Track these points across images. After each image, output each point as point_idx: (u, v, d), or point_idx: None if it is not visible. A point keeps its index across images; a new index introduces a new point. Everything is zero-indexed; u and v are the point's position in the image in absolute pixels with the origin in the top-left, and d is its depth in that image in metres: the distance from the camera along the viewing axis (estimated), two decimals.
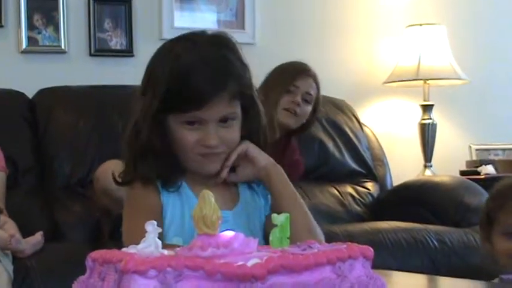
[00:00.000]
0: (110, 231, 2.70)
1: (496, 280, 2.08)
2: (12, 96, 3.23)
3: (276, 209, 1.69)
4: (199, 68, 1.63)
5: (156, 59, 1.72)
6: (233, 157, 1.70)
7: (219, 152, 1.68)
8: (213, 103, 1.62)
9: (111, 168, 2.54)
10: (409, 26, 4.03)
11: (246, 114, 1.71)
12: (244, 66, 1.69)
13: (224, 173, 1.71)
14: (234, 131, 1.68)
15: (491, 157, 4.20)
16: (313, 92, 3.00)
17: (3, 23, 3.43)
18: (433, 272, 2.79)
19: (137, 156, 1.68)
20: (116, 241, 1.74)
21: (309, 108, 3.01)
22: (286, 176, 1.76)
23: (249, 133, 1.73)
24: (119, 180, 1.73)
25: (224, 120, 1.65)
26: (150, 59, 1.74)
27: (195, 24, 3.59)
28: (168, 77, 1.64)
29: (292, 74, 2.98)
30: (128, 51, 3.62)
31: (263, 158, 1.74)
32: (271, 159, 1.76)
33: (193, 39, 1.70)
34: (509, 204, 2.11)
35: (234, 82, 1.64)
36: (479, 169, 3.93)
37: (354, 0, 4.10)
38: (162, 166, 1.68)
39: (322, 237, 1.72)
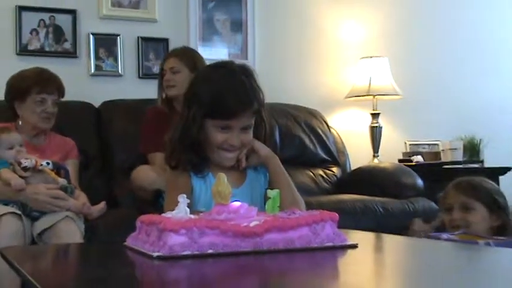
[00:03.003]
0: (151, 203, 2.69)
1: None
2: (83, 107, 3.23)
3: (272, 185, 1.71)
4: (235, 90, 1.63)
5: (199, 80, 1.71)
6: (245, 150, 1.71)
7: (237, 149, 1.69)
8: (241, 116, 1.64)
9: (142, 173, 2.58)
10: (363, 57, 4.01)
11: (256, 125, 1.72)
12: (261, 91, 1.69)
13: (243, 162, 1.72)
14: (249, 136, 1.70)
15: (420, 150, 4.19)
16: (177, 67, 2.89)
17: (77, 55, 3.42)
18: (379, 230, 2.78)
19: (184, 148, 1.67)
20: (157, 210, 1.74)
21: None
22: (280, 163, 1.77)
23: (257, 137, 1.74)
24: (172, 165, 1.71)
25: (244, 128, 1.67)
26: (192, 80, 1.74)
27: (212, 56, 3.56)
28: (210, 95, 1.64)
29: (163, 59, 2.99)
30: None
31: (264, 150, 1.75)
32: (271, 151, 1.76)
33: (227, 67, 1.70)
34: (447, 190, 2.16)
35: (256, 102, 1.67)
36: (411, 158, 3.93)
37: (324, 40, 4.08)
38: (196, 158, 1.69)
39: (303, 206, 1.72)
